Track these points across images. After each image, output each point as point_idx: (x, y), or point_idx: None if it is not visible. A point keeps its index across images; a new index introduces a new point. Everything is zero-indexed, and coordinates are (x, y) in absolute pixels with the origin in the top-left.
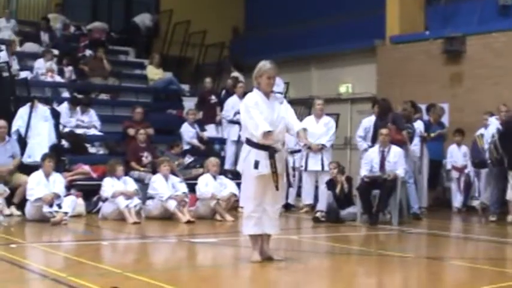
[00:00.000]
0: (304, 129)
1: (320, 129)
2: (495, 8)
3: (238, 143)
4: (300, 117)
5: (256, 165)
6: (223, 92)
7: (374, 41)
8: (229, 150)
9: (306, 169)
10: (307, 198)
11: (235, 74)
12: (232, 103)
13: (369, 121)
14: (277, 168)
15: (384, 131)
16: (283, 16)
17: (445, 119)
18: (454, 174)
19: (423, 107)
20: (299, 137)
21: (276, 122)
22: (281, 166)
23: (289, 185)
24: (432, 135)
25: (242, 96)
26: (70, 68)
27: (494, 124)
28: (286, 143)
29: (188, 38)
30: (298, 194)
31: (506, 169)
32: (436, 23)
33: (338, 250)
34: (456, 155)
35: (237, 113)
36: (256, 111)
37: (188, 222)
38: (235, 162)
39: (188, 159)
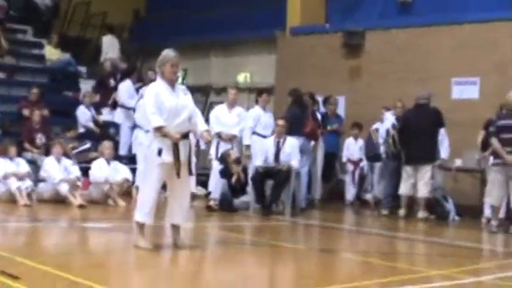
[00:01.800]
0: (207, 131)
1: (233, 119)
2: (396, 4)
3: (133, 128)
4: (197, 105)
5: (160, 152)
6: (119, 75)
7: (274, 31)
8: (124, 135)
9: (216, 158)
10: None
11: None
12: (126, 87)
13: (256, 112)
14: (181, 156)
15: (280, 121)
16: (185, 1)
17: (342, 112)
18: (349, 167)
19: (320, 99)
20: (203, 138)
21: (180, 110)
22: (184, 154)
23: (190, 172)
24: (329, 128)
25: (136, 81)
26: None
27: (389, 119)
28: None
29: (88, 19)
30: (197, 182)
31: (402, 164)
32: (337, 16)
33: (230, 239)
34: (352, 148)
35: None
36: (152, 103)
37: (80, 206)
38: (130, 147)
39: (83, 145)
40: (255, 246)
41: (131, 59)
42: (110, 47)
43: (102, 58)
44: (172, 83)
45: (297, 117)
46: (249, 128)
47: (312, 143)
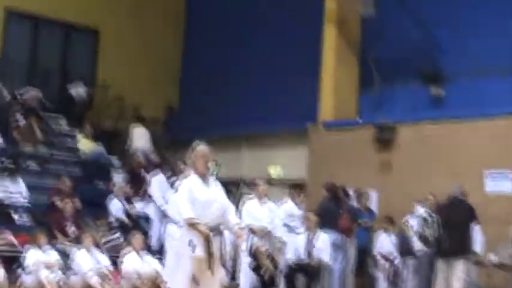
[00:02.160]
0: (241, 228)
1: (264, 213)
2: (427, 98)
3: (162, 220)
4: (229, 197)
5: (192, 245)
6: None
7: (306, 124)
8: (155, 227)
9: (250, 253)
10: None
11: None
12: (158, 181)
13: (290, 207)
14: (213, 250)
15: (311, 216)
16: (217, 95)
17: (373, 206)
18: (382, 262)
19: (352, 193)
20: (236, 235)
21: (212, 204)
22: (216, 247)
23: (223, 265)
24: (362, 223)
25: (170, 173)
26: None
27: (420, 213)
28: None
29: (122, 111)
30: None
31: (443, 254)
32: (369, 110)
33: None
34: (384, 243)
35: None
36: (184, 197)
37: None
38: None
39: (115, 235)
40: None
41: (163, 151)
42: (139, 137)
43: (128, 146)
44: (204, 176)
45: (331, 212)
46: (280, 221)
47: (345, 238)
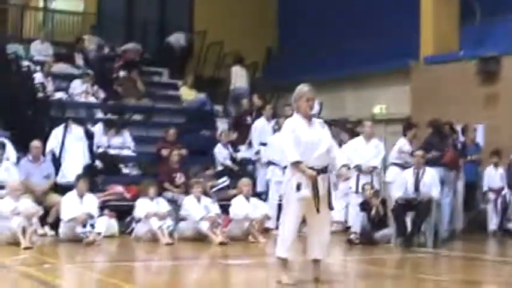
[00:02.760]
0: (346, 166)
1: (370, 151)
2: None
3: (268, 164)
4: (333, 138)
5: (299, 187)
6: (254, 113)
7: (408, 62)
8: (260, 172)
9: (357, 191)
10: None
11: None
12: (260, 125)
13: (404, 143)
14: (320, 190)
15: (419, 152)
16: (316, 37)
17: (480, 140)
18: (491, 196)
19: (458, 127)
20: (341, 175)
21: (318, 144)
22: (323, 189)
23: (331, 207)
24: (469, 158)
25: (271, 117)
26: (109, 90)
27: None
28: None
29: (222, 58)
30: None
31: None
32: (471, 43)
33: (372, 273)
34: (493, 176)
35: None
36: (289, 138)
37: (221, 243)
38: (267, 183)
39: (222, 182)
40: (397, 279)
41: (265, 96)
42: (238, 77)
43: (231, 87)
44: (308, 117)
45: (436, 147)
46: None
47: (453, 172)
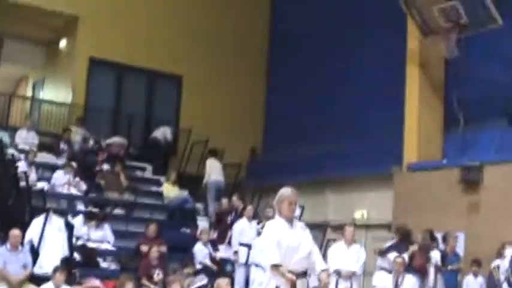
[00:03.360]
0: (326, 271)
1: (351, 255)
2: None
3: (246, 265)
4: (315, 241)
5: None
6: (233, 213)
7: (391, 168)
8: (238, 272)
9: None
10: None
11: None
12: (240, 226)
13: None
14: None
15: (399, 260)
16: (301, 139)
17: (460, 249)
18: None
19: (439, 235)
20: (321, 278)
21: (297, 248)
22: None
23: None
24: (450, 267)
25: (251, 218)
26: (91, 183)
27: (509, 256)
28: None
29: (206, 157)
30: None
31: None
32: (454, 151)
33: None
34: (472, 285)
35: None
36: (270, 241)
37: None
38: (246, 284)
39: (201, 281)
40: None
41: (245, 196)
42: (213, 170)
43: (204, 180)
44: (290, 220)
45: (400, 251)
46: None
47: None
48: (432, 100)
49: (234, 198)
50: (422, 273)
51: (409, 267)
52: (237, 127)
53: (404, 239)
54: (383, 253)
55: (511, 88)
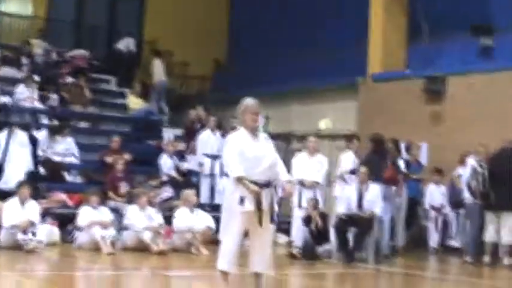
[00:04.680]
0: (290, 181)
1: (314, 166)
2: (476, 49)
3: (211, 176)
4: (278, 152)
5: (242, 201)
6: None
7: (355, 78)
8: (204, 183)
9: (299, 206)
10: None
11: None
12: (205, 137)
13: (349, 157)
14: (263, 204)
15: (363, 169)
16: (265, 50)
17: (423, 158)
18: (432, 213)
19: (402, 145)
20: (285, 189)
21: (261, 159)
22: (267, 202)
23: (273, 221)
24: (414, 176)
25: (215, 129)
26: (55, 96)
27: (471, 165)
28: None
29: (170, 68)
30: (278, 230)
31: (491, 207)
32: (418, 62)
33: None
34: (434, 194)
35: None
36: (233, 152)
37: (161, 253)
38: (211, 195)
39: (166, 193)
40: None
41: (212, 108)
42: (158, 70)
43: (154, 80)
44: (253, 131)
45: (375, 164)
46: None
47: (393, 189)
48: (397, 11)
49: (199, 109)
50: (393, 184)
51: (378, 178)
52: (201, 39)
53: (378, 148)
54: (353, 172)
55: None
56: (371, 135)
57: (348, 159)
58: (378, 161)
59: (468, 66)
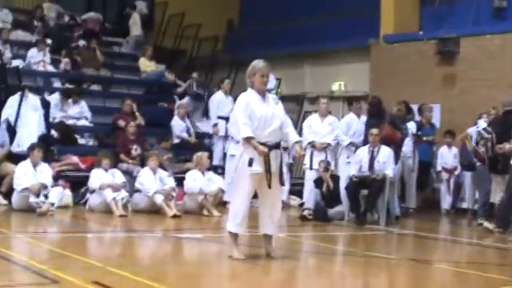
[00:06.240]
0: (299, 142)
1: (325, 128)
2: (489, 10)
3: (225, 138)
4: (291, 114)
5: (251, 163)
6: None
7: (368, 40)
8: (217, 145)
9: (311, 168)
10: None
11: None
12: (218, 99)
13: (350, 119)
14: (272, 166)
15: (374, 131)
16: (278, 12)
17: (436, 120)
18: (444, 175)
19: (415, 107)
20: (295, 151)
21: (271, 120)
22: (275, 164)
23: (282, 183)
24: (425, 138)
25: (229, 91)
26: (66, 59)
27: (476, 129)
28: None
29: (182, 30)
30: (291, 192)
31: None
32: (430, 23)
33: (323, 250)
34: (446, 156)
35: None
36: (242, 113)
37: (174, 216)
38: (224, 157)
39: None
40: (348, 256)
41: (225, 69)
42: (136, 25)
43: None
44: (262, 93)
45: (373, 127)
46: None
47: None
48: None
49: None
50: (391, 143)
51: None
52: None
53: (376, 111)
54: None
55: None
56: (369, 100)
57: (348, 121)
58: (376, 124)
59: (481, 27)
